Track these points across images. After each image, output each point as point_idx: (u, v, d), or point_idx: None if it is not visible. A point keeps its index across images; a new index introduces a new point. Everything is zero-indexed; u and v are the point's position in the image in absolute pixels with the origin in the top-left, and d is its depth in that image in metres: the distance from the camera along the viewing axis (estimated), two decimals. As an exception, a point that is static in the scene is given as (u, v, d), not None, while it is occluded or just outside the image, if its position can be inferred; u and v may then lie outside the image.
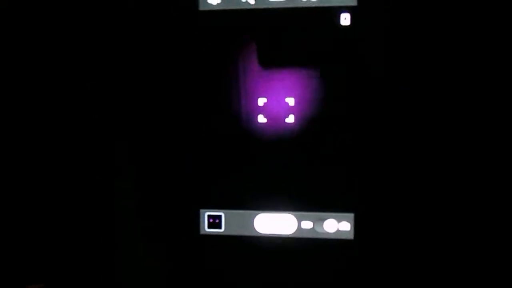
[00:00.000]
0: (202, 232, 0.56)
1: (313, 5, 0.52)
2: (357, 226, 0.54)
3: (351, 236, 0.54)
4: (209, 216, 0.56)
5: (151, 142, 0.56)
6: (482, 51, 0.51)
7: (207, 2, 0.53)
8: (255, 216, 0.55)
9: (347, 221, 0.54)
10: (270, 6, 0.53)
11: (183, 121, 0.55)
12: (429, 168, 0.52)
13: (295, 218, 0.55)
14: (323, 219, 0.54)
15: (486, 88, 0.51)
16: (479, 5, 0.50)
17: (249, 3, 0.53)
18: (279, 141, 0.54)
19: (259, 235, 0.55)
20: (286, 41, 0.53)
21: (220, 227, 0.56)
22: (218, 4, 0.53)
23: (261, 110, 0.54)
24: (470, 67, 0.51)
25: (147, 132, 0.56)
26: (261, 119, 0.54)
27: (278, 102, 0.54)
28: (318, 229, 0.54)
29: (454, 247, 0.53)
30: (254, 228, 0.55)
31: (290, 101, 0.54)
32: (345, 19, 0.52)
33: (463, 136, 0.52)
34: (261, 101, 0.54)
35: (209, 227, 0.56)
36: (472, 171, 0.52)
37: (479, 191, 0.52)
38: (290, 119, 0.54)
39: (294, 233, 0.55)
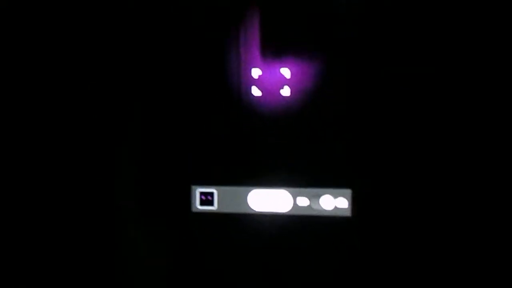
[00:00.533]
0: (194, 210, 0.54)
1: None
2: (354, 202, 0.52)
3: (348, 213, 0.52)
4: (201, 193, 0.54)
5: (140, 114, 0.54)
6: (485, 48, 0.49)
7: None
8: (248, 193, 0.53)
9: (345, 198, 0.52)
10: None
11: (173, 92, 0.53)
12: (430, 142, 0.50)
13: (290, 195, 0.53)
14: (320, 196, 0.52)
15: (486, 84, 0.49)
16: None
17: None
18: (274, 115, 0.52)
19: (253, 212, 0.53)
20: (283, 9, 0.51)
21: (212, 204, 0.54)
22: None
23: (255, 82, 0.52)
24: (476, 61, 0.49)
25: (136, 104, 0.54)
26: (256, 91, 0.52)
27: (273, 74, 0.52)
28: (314, 206, 0.52)
29: (454, 228, 0.51)
30: (248, 205, 0.53)
31: (286, 72, 0.51)
32: None
33: (464, 112, 0.50)
34: (255, 73, 0.52)
35: (201, 204, 0.54)
36: (472, 149, 0.50)
37: (478, 170, 0.50)
38: (286, 91, 0.51)
39: (289, 210, 0.53)
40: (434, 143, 0.50)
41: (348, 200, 0.52)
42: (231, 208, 0.53)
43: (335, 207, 0.52)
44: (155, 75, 0.53)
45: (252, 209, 0.53)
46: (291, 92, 0.51)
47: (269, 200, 0.53)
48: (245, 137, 0.53)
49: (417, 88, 0.50)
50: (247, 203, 0.53)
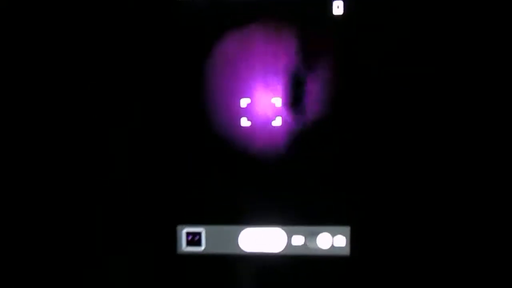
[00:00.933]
0: (179, 251, 0.50)
1: None
2: (353, 240, 0.48)
3: (347, 252, 0.48)
4: (187, 233, 0.49)
5: (122, 147, 0.50)
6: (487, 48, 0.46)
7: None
8: (239, 232, 0.49)
9: (343, 235, 0.48)
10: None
11: (156, 124, 0.49)
12: (430, 176, 0.47)
13: (284, 233, 0.49)
14: (316, 234, 0.48)
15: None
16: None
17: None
18: (265, 147, 0.48)
19: (245, 253, 0.49)
20: (273, 34, 0.47)
21: (200, 245, 0.49)
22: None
23: (244, 112, 0.48)
24: (476, 63, 0.46)
25: (120, 138, 0.49)
26: (245, 122, 0.48)
27: (264, 103, 0.48)
28: (310, 245, 0.48)
29: (454, 263, 0.48)
30: (239, 245, 0.49)
31: (277, 101, 0.48)
32: (337, 8, 0.46)
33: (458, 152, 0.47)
34: (245, 102, 0.48)
35: (188, 245, 0.50)
36: (471, 188, 0.47)
37: (479, 208, 0.47)
38: (277, 122, 0.48)
39: (283, 250, 0.49)
40: (435, 178, 0.47)
41: (346, 238, 0.48)
42: (221, 248, 0.49)
43: (333, 246, 0.48)
44: (137, 103, 0.49)
45: (243, 250, 0.49)
46: (283, 122, 0.48)
47: (262, 239, 0.49)
48: (234, 172, 0.49)
49: (420, 122, 0.47)
50: (237, 243, 0.49)
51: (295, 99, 0.47)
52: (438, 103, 0.47)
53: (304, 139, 0.48)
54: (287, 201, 0.48)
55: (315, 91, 0.47)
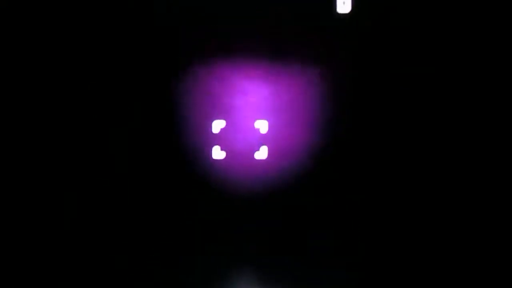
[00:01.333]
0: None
1: None
2: None
3: None
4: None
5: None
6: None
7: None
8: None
9: None
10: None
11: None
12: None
13: None
14: None
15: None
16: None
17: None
18: (244, 188, 0.37)
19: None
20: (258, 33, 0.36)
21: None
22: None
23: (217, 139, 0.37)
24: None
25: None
26: (217, 152, 0.37)
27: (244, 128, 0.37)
28: None
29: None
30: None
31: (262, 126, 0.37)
32: (343, 4, 0.36)
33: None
34: (217, 126, 0.37)
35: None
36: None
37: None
38: (262, 153, 0.37)
39: None
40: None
41: None
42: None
43: None
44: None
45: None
46: (269, 154, 0.37)
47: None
48: (204, 220, 0.37)
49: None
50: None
51: (287, 123, 0.36)
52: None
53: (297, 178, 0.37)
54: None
55: (314, 112, 0.36)
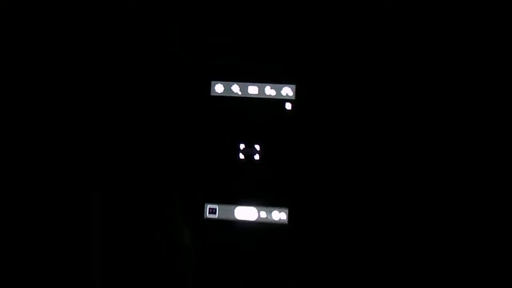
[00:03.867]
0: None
1: (269, 97, 0.93)
2: (290, 215, 0.89)
3: (286, 222, 0.89)
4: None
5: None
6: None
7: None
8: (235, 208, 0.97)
9: (285, 213, 0.89)
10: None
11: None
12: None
13: (256, 210, 0.91)
14: (272, 211, 0.91)
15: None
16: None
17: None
18: None
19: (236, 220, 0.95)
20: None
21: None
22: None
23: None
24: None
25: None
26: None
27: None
28: (269, 217, 0.90)
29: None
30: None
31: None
32: (288, 106, 0.93)
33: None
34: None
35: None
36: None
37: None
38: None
39: (255, 219, 0.91)
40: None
41: (286, 214, 0.89)
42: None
43: (280, 218, 0.89)
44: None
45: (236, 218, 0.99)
46: (260, 156, 1.00)
47: (244, 213, 0.98)
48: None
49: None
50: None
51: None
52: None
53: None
54: (257, 190, 0.99)
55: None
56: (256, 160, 0.91)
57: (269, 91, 0.94)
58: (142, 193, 0.88)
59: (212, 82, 0.97)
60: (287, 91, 0.95)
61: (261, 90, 0.94)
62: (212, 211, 0.93)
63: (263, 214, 0.92)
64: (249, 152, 0.92)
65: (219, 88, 0.98)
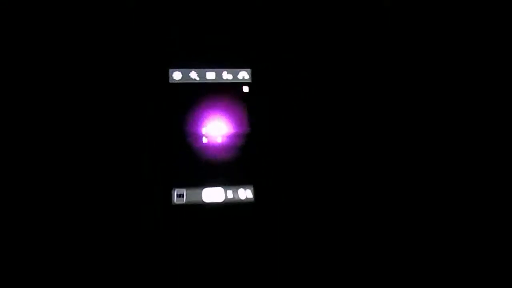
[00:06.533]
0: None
1: (227, 81, 1.03)
2: (255, 194, 0.97)
3: (253, 200, 0.96)
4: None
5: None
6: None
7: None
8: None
9: (250, 191, 1.00)
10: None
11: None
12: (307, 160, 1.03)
13: (223, 190, 0.99)
14: (238, 190, 0.99)
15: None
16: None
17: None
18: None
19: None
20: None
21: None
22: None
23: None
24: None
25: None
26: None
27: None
28: (235, 196, 0.96)
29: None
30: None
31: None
32: (245, 88, 1.04)
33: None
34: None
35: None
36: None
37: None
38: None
39: (223, 200, 1.00)
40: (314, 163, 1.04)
41: (252, 192, 0.98)
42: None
43: (246, 197, 1.01)
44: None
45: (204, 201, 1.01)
46: (227, 137, 1.04)
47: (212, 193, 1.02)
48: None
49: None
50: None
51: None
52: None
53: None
54: (224, 170, 1.02)
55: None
56: (219, 142, 0.95)
57: (227, 75, 0.97)
58: (108, 184, 0.91)
59: (170, 70, 0.99)
60: (244, 74, 0.99)
61: (219, 75, 0.96)
62: (180, 195, 0.94)
63: (230, 194, 0.95)
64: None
65: (177, 75, 1.00)
